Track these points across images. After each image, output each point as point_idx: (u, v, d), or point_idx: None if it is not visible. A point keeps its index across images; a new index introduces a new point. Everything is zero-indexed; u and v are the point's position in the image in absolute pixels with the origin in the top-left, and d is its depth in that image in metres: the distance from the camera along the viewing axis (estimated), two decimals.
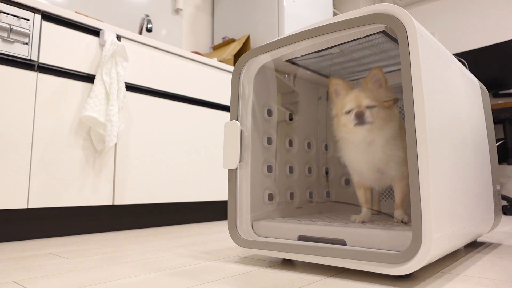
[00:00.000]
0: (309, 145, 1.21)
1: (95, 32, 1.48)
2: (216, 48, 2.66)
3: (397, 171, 0.87)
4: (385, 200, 1.21)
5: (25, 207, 1.25)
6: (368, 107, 0.85)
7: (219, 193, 1.90)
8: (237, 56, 2.42)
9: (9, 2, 1.26)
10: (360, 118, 0.84)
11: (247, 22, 2.57)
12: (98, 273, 0.79)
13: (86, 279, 0.74)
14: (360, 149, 0.89)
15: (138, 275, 0.77)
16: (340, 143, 0.96)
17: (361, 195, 0.96)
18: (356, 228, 0.78)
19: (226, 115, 1.98)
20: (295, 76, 1.16)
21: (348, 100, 0.88)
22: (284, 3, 2.40)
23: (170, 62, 1.73)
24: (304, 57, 1.02)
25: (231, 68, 2.02)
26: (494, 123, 2.53)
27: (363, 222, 0.89)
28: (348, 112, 0.87)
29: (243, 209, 0.93)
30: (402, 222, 0.86)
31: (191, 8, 2.71)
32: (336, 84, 0.93)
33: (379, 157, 0.87)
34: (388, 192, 1.21)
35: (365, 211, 0.94)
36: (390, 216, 0.99)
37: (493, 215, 1.04)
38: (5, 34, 1.24)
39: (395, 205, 0.90)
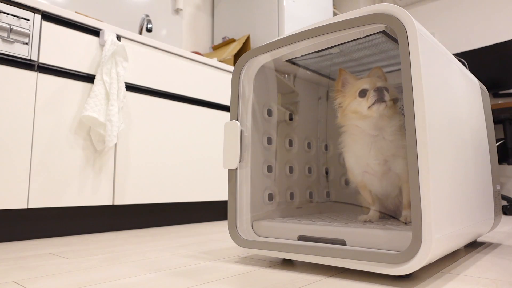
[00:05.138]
0: (309, 145, 1.21)
1: (95, 32, 1.48)
2: (216, 48, 2.66)
3: (404, 171, 0.88)
4: None
5: (25, 207, 1.25)
6: (384, 88, 0.87)
7: (219, 193, 1.90)
8: (237, 56, 2.42)
9: (9, 2, 1.26)
10: (380, 93, 0.86)
11: (247, 22, 2.57)
12: (98, 273, 0.79)
13: (86, 279, 0.74)
14: (367, 139, 0.90)
15: (138, 275, 0.77)
16: (345, 136, 0.96)
17: (367, 195, 0.96)
18: (356, 228, 0.78)
19: (226, 115, 1.98)
20: (295, 76, 1.16)
21: (362, 83, 0.89)
22: (284, 3, 2.40)
23: (170, 62, 1.73)
24: (304, 57, 1.02)
25: (231, 68, 2.02)
26: (494, 123, 2.53)
27: (369, 221, 0.90)
28: (363, 95, 0.88)
29: (243, 209, 0.93)
30: (410, 223, 0.87)
31: (191, 8, 2.71)
32: (346, 74, 0.95)
33: (387, 146, 0.88)
34: None
35: (372, 211, 0.94)
36: (391, 216, 0.99)
37: (493, 215, 1.04)
38: (5, 34, 1.24)
39: (402, 206, 0.90)
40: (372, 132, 0.89)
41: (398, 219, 0.93)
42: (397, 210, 0.96)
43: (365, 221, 0.90)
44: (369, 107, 0.87)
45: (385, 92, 0.86)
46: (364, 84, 0.89)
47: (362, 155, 0.92)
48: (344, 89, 0.94)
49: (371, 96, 0.86)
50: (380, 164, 0.89)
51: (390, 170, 0.90)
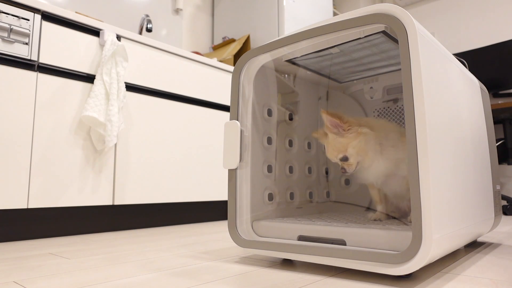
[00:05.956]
0: (309, 145, 1.21)
1: (95, 32, 1.48)
2: (216, 48, 2.66)
3: None
4: None
5: (25, 207, 1.25)
6: (341, 160, 0.88)
7: (219, 193, 1.90)
8: (237, 56, 2.42)
9: (9, 2, 1.26)
10: (345, 172, 0.88)
11: (247, 22, 2.57)
12: (98, 273, 0.79)
13: (86, 279, 0.74)
14: (364, 172, 0.92)
15: (138, 275, 0.77)
16: None
17: (375, 194, 0.97)
18: (356, 228, 0.78)
19: (226, 115, 1.98)
20: (295, 76, 1.16)
21: (327, 152, 0.91)
22: (284, 3, 2.40)
23: (170, 62, 1.73)
24: (304, 57, 1.02)
25: (231, 68, 2.02)
26: (494, 123, 2.53)
27: (379, 220, 0.92)
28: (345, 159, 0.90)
29: (243, 209, 0.93)
30: None
31: (191, 8, 2.71)
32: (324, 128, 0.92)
33: (385, 167, 0.89)
34: None
35: (380, 210, 0.96)
36: (391, 217, 0.99)
37: (493, 215, 1.04)
38: (5, 34, 1.24)
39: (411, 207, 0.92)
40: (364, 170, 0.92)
41: (402, 220, 0.93)
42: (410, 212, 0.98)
43: (374, 220, 0.92)
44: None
45: (348, 169, 0.87)
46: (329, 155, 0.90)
47: (366, 181, 0.95)
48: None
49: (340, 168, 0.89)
50: (388, 177, 0.91)
51: (397, 176, 0.91)
